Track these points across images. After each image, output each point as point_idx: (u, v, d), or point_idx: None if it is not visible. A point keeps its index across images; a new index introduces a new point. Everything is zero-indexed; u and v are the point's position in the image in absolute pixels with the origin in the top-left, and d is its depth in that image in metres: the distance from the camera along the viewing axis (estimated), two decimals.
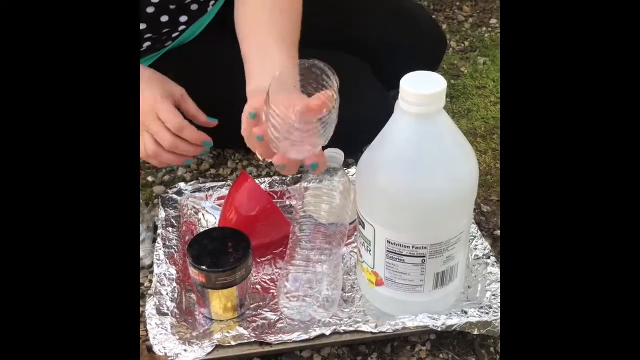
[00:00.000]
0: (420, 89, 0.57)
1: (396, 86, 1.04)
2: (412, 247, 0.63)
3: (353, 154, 0.93)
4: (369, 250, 0.67)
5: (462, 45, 1.28)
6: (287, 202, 0.85)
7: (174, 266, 0.73)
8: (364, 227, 0.66)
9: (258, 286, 0.74)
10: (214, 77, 0.89)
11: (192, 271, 0.67)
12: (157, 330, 0.66)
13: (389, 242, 0.64)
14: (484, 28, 1.33)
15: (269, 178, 0.87)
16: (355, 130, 0.90)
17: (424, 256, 0.64)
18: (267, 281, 0.75)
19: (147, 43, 0.85)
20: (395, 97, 0.61)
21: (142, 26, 0.81)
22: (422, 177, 0.60)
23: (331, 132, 0.61)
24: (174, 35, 0.87)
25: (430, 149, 0.59)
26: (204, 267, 0.66)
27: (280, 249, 0.78)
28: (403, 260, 0.64)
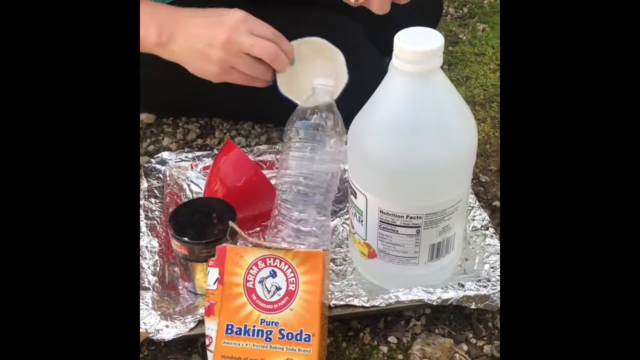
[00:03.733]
0: (416, 45, 0.53)
1: (390, 51, 1.01)
2: (407, 217, 0.60)
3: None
4: (361, 221, 0.63)
5: (461, 11, 1.24)
6: (276, 173, 0.81)
7: (156, 239, 0.70)
8: (355, 197, 0.62)
9: None
10: None
11: (175, 243, 0.63)
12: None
13: (382, 212, 0.60)
14: None
15: (258, 147, 0.83)
16: (347, 97, 0.86)
17: (419, 227, 0.60)
18: None
19: None
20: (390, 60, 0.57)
21: None
22: (417, 142, 0.56)
23: None
24: None
25: (426, 111, 0.55)
26: (186, 239, 0.62)
27: (269, 221, 0.74)
28: (397, 231, 0.61)
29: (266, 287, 0.56)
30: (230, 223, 0.60)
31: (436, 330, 0.66)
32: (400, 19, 0.91)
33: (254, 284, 0.56)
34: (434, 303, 0.63)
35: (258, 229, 0.74)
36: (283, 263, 0.56)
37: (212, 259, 0.57)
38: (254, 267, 0.56)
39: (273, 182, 0.75)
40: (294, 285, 0.56)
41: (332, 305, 0.62)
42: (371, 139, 0.57)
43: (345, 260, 0.71)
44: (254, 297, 0.56)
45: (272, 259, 0.56)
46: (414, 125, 0.55)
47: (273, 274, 0.56)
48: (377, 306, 0.62)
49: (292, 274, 0.56)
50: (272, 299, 0.56)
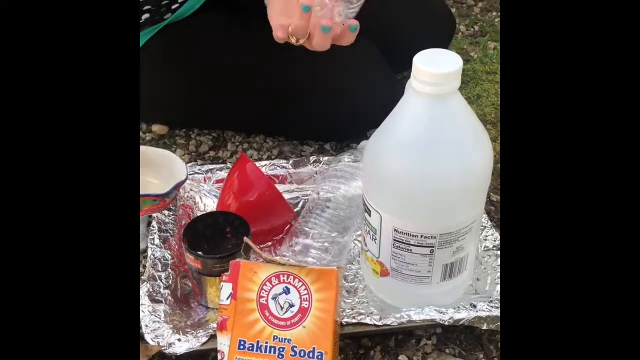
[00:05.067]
0: (435, 68, 0.53)
1: (403, 68, 1.01)
2: (421, 236, 0.60)
3: (357, 138, 0.89)
4: (375, 239, 0.63)
5: (472, 29, 1.24)
6: (289, 187, 0.82)
7: (169, 251, 0.70)
8: (369, 215, 0.63)
9: None
10: (213, 52, 0.85)
11: (188, 257, 0.64)
12: (150, 318, 0.63)
13: (396, 230, 0.60)
14: (494, 12, 1.29)
15: (270, 161, 0.83)
16: (361, 114, 0.86)
17: (433, 246, 0.60)
18: None
19: (146, 15, 0.81)
20: (402, 80, 0.58)
21: None
22: (434, 162, 0.56)
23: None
24: (173, 7, 0.83)
25: (444, 132, 0.56)
26: (200, 252, 0.62)
27: (281, 235, 0.74)
28: (410, 250, 0.61)
29: (279, 303, 0.56)
30: (245, 239, 0.60)
31: (447, 350, 0.66)
32: (411, 37, 0.93)
33: (267, 300, 0.56)
34: (446, 323, 0.63)
35: (270, 243, 0.74)
36: (297, 280, 0.56)
37: (226, 273, 0.57)
38: (267, 283, 0.56)
39: (286, 196, 0.75)
40: (307, 303, 0.56)
41: (344, 323, 0.62)
42: (388, 158, 0.58)
43: (357, 277, 0.71)
44: (267, 314, 0.56)
45: (285, 276, 0.56)
46: (431, 146, 0.56)
47: (286, 291, 0.56)
48: (389, 325, 0.62)
49: (306, 291, 0.56)
50: (285, 316, 0.56)
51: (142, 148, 0.71)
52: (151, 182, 0.69)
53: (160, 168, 0.69)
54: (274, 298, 0.56)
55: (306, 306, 0.56)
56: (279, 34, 0.66)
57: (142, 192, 0.62)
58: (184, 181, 0.65)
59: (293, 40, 0.66)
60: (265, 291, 0.56)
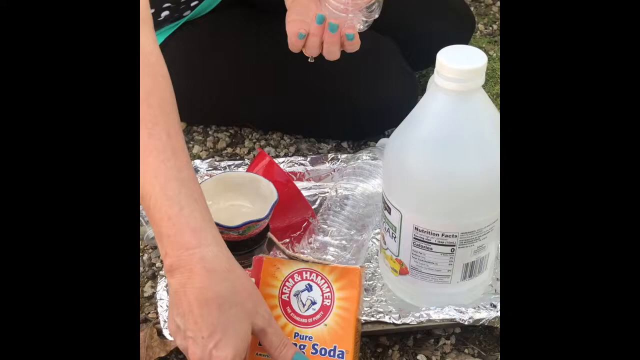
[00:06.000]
0: (460, 64, 0.53)
1: (421, 66, 1.00)
2: (442, 235, 0.59)
3: (375, 136, 0.88)
4: (394, 237, 0.63)
5: (490, 28, 1.23)
6: (307, 184, 0.81)
7: None
8: (389, 213, 0.62)
9: None
10: (231, 49, 0.85)
11: None
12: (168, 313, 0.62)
13: (416, 229, 0.60)
14: None
15: (287, 158, 0.83)
16: (379, 112, 0.85)
17: (454, 245, 0.60)
18: None
19: (166, 12, 0.81)
20: (420, 77, 0.57)
21: None
22: (457, 160, 0.55)
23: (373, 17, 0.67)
24: (192, 4, 0.83)
25: (467, 129, 0.55)
26: None
27: (299, 232, 0.74)
28: (431, 248, 0.60)
29: (301, 300, 0.56)
30: (269, 234, 0.59)
31: (466, 350, 0.65)
32: (430, 35, 0.92)
33: (289, 297, 0.56)
34: (466, 323, 0.62)
35: (287, 240, 0.74)
36: (319, 277, 0.56)
37: (249, 268, 0.57)
38: (290, 280, 0.56)
39: (304, 194, 0.75)
40: (329, 301, 0.55)
41: (363, 321, 0.62)
42: (411, 155, 0.57)
43: (375, 276, 0.70)
44: (289, 310, 0.56)
45: (308, 273, 0.56)
46: (454, 143, 0.55)
47: (309, 288, 0.56)
48: (408, 324, 0.62)
49: (328, 289, 0.56)
50: (307, 313, 0.55)
51: (224, 174, 0.71)
52: (243, 206, 0.69)
53: (246, 190, 0.69)
54: (296, 295, 0.56)
55: (328, 304, 0.55)
56: (293, 40, 0.66)
57: (243, 219, 0.62)
58: (277, 201, 0.66)
59: (307, 54, 0.67)
60: (288, 287, 0.56)
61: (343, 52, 0.68)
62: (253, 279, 0.56)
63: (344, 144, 0.92)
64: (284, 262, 0.57)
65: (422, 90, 0.92)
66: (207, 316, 0.48)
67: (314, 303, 0.55)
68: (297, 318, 0.55)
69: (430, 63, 0.99)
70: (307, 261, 0.56)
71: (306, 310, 0.55)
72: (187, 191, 0.50)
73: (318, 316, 0.55)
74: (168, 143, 0.51)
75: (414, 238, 0.61)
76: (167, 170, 0.50)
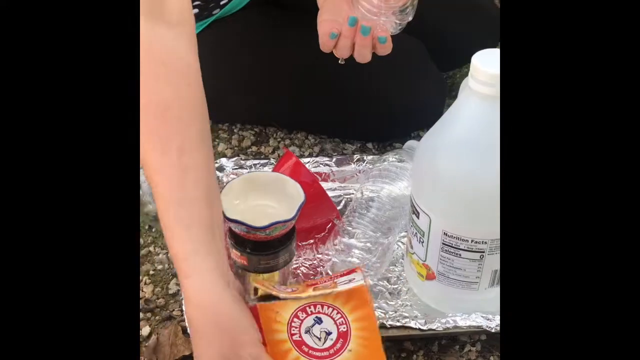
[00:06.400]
0: (495, 68, 0.52)
1: (449, 68, 0.99)
2: (472, 241, 0.58)
3: (401, 138, 0.88)
4: (422, 242, 0.62)
5: None
6: (332, 185, 0.81)
7: None
8: (418, 217, 0.61)
9: (298, 271, 0.70)
10: (260, 48, 0.85)
11: (234, 253, 0.63)
12: None
13: (445, 234, 0.59)
14: None
15: (313, 158, 0.82)
16: (407, 114, 0.85)
17: (483, 252, 0.59)
18: (308, 267, 0.71)
19: (195, 10, 0.81)
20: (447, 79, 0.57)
21: None
22: (490, 165, 0.54)
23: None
24: (222, 2, 0.83)
25: None
26: (248, 249, 0.62)
27: (323, 234, 0.74)
28: (460, 254, 0.60)
29: (315, 335, 0.53)
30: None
31: (491, 358, 0.65)
32: (459, 37, 0.91)
33: (300, 336, 0.53)
34: (492, 330, 0.61)
35: (312, 241, 0.74)
36: (326, 307, 0.53)
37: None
38: (294, 320, 0.53)
39: (329, 194, 0.74)
40: (345, 326, 0.53)
41: (388, 326, 0.61)
42: (443, 158, 0.56)
43: (400, 280, 0.70)
44: (306, 349, 0.53)
45: (313, 307, 0.54)
46: (488, 148, 0.54)
47: (318, 321, 0.53)
48: (434, 329, 0.61)
49: (340, 315, 0.53)
50: (326, 345, 0.53)
51: (251, 174, 0.70)
52: (269, 206, 0.69)
53: (272, 190, 0.69)
54: (307, 332, 0.53)
55: (345, 329, 0.53)
56: (324, 40, 0.66)
57: (269, 220, 0.60)
58: (304, 202, 0.65)
59: (337, 55, 0.67)
60: (296, 327, 0.53)
61: (373, 54, 0.68)
62: (247, 310, 0.53)
63: (369, 145, 0.91)
64: (281, 305, 0.54)
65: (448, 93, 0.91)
66: (195, 347, 0.52)
67: (329, 333, 0.53)
68: (317, 353, 0.53)
69: (456, 66, 0.99)
70: (305, 297, 0.54)
71: (324, 343, 0.53)
72: (184, 213, 0.52)
73: (338, 345, 0.53)
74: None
75: (443, 243, 0.60)
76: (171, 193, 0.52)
